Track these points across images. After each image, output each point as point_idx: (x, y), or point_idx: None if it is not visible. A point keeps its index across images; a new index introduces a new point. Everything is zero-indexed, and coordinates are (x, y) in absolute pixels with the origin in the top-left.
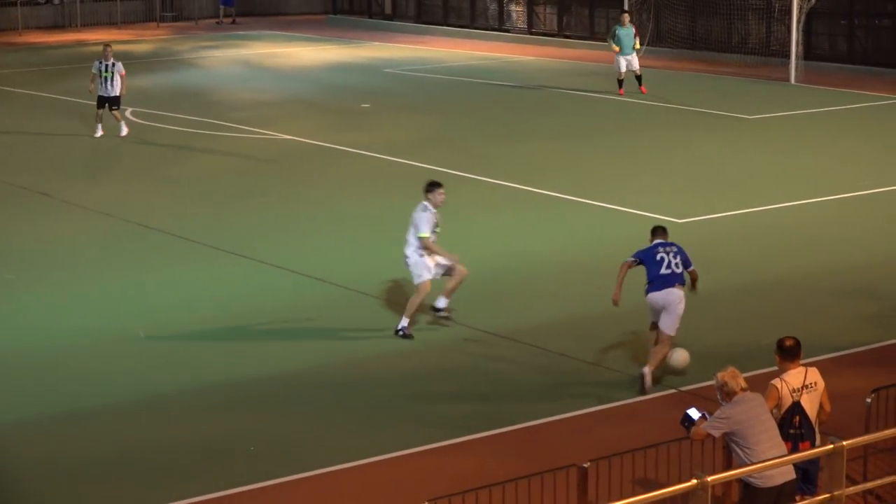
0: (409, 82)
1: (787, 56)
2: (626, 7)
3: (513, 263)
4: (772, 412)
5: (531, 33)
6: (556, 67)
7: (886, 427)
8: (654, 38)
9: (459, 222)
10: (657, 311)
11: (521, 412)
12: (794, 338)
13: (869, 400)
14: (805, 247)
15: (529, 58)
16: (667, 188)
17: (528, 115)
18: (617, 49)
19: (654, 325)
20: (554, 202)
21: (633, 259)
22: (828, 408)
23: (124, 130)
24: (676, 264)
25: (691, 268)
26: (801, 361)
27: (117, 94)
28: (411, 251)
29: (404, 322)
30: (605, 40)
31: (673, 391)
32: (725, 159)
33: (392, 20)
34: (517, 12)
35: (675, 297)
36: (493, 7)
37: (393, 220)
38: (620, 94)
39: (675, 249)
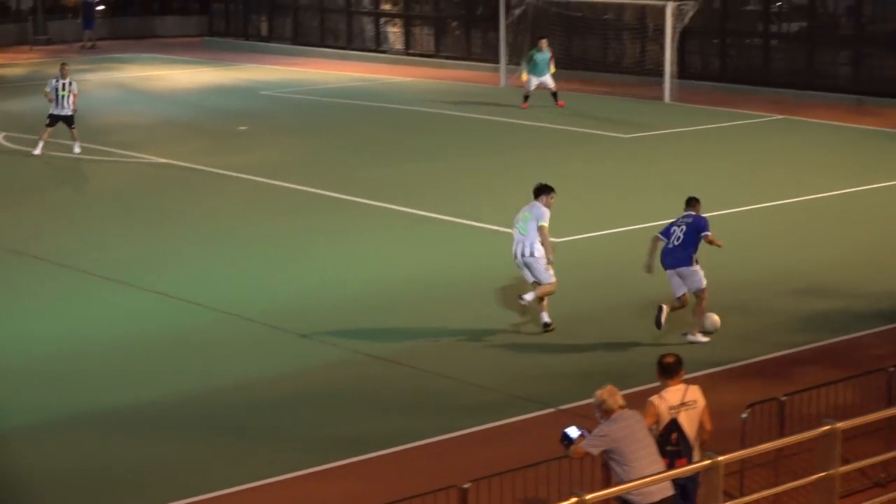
0: (287, 104)
1: (662, 75)
2: (501, 30)
3: (393, 285)
4: (650, 429)
5: (408, 54)
6: (433, 88)
7: (762, 442)
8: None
9: (338, 244)
10: (676, 283)
11: (401, 433)
12: (674, 354)
13: (744, 415)
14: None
15: (407, 79)
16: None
17: (406, 136)
18: (525, 77)
19: (678, 298)
20: (432, 223)
21: (659, 235)
22: (708, 426)
23: (77, 148)
24: (677, 237)
25: (704, 233)
26: (683, 378)
27: (71, 112)
28: (537, 246)
29: (546, 317)
30: (484, 61)
31: (551, 410)
32: (603, 178)
33: (268, 42)
34: (394, 34)
35: (681, 267)
36: (369, 28)
37: (271, 243)
38: (523, 108)
39: (688, 221)
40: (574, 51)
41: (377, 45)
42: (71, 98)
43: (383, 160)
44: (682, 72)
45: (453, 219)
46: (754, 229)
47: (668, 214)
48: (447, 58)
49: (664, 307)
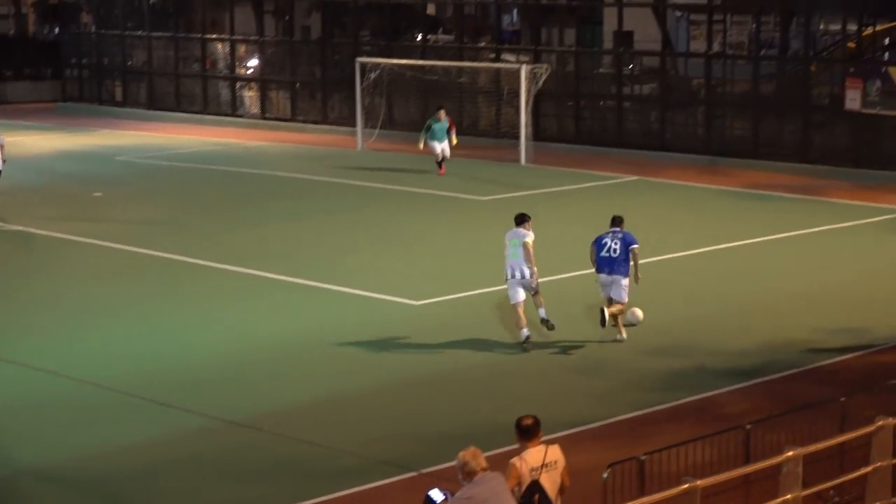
0: (143, 169)
1: (518, 137)
2: (357, 94)
3: (251, 350)
4: (513, 491)
5: (265, 118)
6: (290, 152)
7: (623, 501)
8: (387, 122)
9: (196, 310)
10: (606, 287)
11: (260, 501)
12: (532, 416)
13: (605, 475)
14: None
15: (263, 143)
16: (403, 270)
17: (263, 199)
18: (422, 146)
19: (609, 298)
20: (290, 287)
21: (592, 245)
22: (567, 483)
23: None
24: (613, 249)
25: (633, 246)
26: (542, 439)
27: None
28: (525, 269)
29: (543, 313)
30: (340, 124)
31: (413, 473)
32: (460, 240)
33: (123, 107)
34: (250, 97)
35: (618, 275)
36: (225, 93)
37: (128, 310)
38: (440, 174)
39: (619, 236)
40: (431, 114)
41: (233, 109)
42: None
43: (240, 225)
44: (538, 134)
45: (309, 282)
46: None
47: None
48: (304, 121)
49: (605, 309)
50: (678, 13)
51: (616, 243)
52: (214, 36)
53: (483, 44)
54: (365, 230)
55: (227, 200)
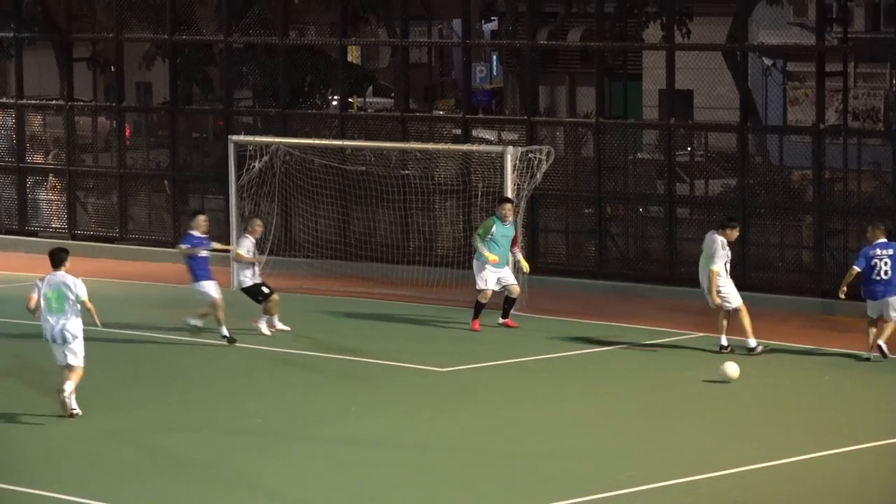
0: None
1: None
2: (231, 194)
3: None
4: None
5: (73, 237)
6: (114, 294)
7: None
8: (280, 243)
9: None
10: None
11: None
12: None
13: None
14: None
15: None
16: None
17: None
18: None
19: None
20: None
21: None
22: None
23: None
24: (885, 271)
25: None
26: None
27: None
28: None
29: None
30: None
31: None
32: (404, 435)
33: None
34: (49, 203)
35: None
36: (8, 195)
37: None
38: (475, 330)
39: (889, 253)
40: (362, 229)
41: (21, 223)
42: None
43: None
44: (535, 262)
45: None
46: None
47: None
48: (140, 242)
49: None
50: (767, 61)
51: (886, 262)
52: None
53: (442, 111)
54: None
55: None
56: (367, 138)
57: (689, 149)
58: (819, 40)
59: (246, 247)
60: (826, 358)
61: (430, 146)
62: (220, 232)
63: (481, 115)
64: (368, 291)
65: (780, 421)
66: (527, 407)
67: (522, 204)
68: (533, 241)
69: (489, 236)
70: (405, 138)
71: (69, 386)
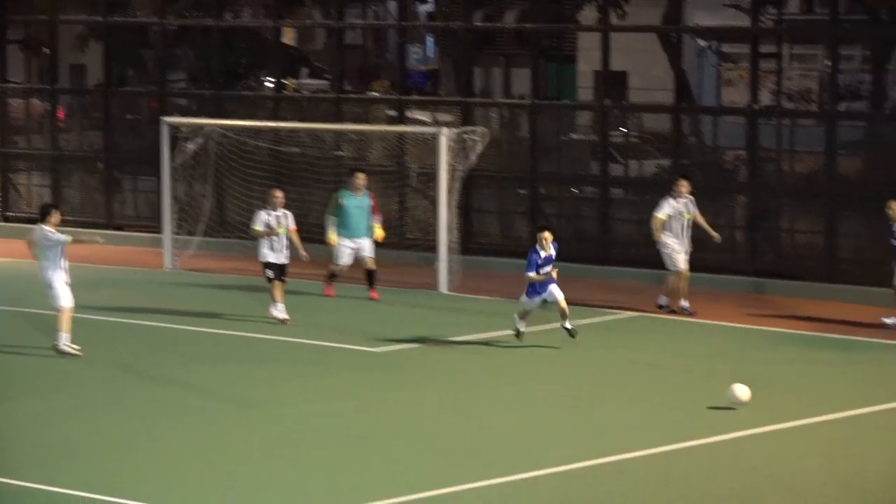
0: None
1: (434, 249)
2: (164, 176)
3: None
4: None
5: (6, 219)
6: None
7: None
8: (215, 224)
9: None
10: None
11: None
12: None
13: None
14: None
15: (6, 259)
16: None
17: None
18: (334, 239)
19: None
20: None
21: None
22: None
23: None
24: None
25: None
26: None
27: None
28: None
29: None
30: (136, 227)
31: None
32: (341, 426)
33: None
34: None
35: None
36: None
37: None
38: (328, 295)
39: None
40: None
41: None
42: None
43: None
44: (469, 243)
45: None
46: None
47: None
48: (74, 223)
49: None
50: (702, 42)
51: None
52: None
53: (377, 93)
54: (180, 424)
55: None
56: (302, 120)
57: (623, 130)
58: (754, 22)
59: (262, 220)
60: (763, 334)
61: (364, 127)
62: (152, 214)
63: (416, 97)
64: (303, 272)
65: (714, 398)
66: (458, 387)
67: (457, 185)
68: (466, 222)
69: (340, 207)
70: (340, 120)
71: None
